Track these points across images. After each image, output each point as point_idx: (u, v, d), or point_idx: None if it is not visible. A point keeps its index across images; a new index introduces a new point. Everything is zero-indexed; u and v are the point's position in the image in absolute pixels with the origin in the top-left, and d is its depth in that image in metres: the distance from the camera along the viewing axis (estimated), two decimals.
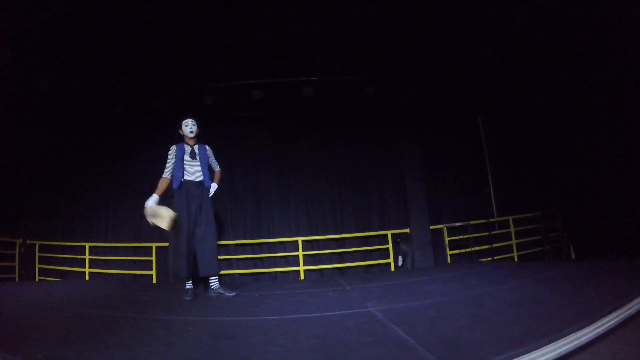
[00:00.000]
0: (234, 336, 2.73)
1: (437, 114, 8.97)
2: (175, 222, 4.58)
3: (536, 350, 2.06)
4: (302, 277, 7.62)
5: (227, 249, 7.77)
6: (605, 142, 6.36)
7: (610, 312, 2.59)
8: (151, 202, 4.65)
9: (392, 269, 7.81)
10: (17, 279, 7.83)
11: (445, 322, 2.75)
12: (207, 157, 5.17)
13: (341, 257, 8.08)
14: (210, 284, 4.90)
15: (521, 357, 2.00)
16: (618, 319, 2.58)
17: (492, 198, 8.87)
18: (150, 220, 4.58)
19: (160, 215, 4.55)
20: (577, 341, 2.24)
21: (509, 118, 8.71)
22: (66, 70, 7.14)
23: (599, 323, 2.45)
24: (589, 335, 2.31)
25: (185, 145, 5.02)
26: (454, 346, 2.16)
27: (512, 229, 8.18)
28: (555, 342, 2.15)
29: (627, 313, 2.69)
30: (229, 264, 7.74)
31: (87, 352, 2.35)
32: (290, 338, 2.57)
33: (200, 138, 5.18)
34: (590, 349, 2.30)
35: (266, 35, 6.66)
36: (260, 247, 8.08)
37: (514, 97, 8.19)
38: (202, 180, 4.97)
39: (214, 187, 5.08)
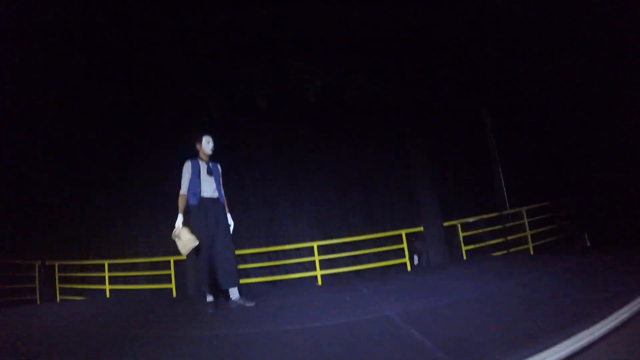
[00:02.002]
0: (257, 348, 2.80)
1: (443, 110, 8.99)
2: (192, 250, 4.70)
3: (549, 349, 2.08)
4: (319, 282, 7.68)
5: (244, 258, 7.86)
6: (616, 127, 6.35)
7: (623, 305, 2.59)
8: (178, 222, 4.76)
9: (409, 268, 7.85)
10: (38, 301, 7.94)
11: (460, 321, 2.81)
12: (220, 175, 5.22)
13: (357, 260, 8.13)
14: (231, 295, 4.97)
15: (535, 355, 2.04)
16: (631, 311, 2.59)
17: (504, 190, 8.88)
18: (175, 239, 4.71)
19: (182, 238, 4.66)
20: (590, 337, 2.24)
21: (515, 109, 8.69)
22: (75, 81, 7.29)
23: (611, 317, 2.42)
24: (602, 331, 2.30)
25: (201, 162, 5.07)
26: (470, 345, 2.22)
27: (525, 220, 8.18)
28: (567, 340, 2.15)
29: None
30: (246, 272, 7.83)
31: None
32: (310, 347, 2.64)
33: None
34: (603, 343, 2.32)
35: (270, 39, 6.73)
36: (276, 254, 8.16)
37: (518, 88, 8.18)
38: (217, 197, 5.05)
39: (230, 220, 5.13)
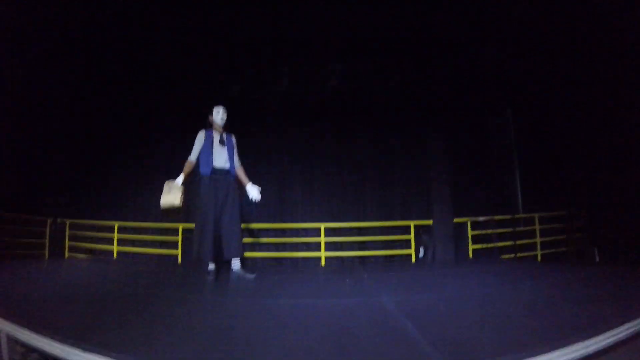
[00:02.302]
0: (251, 318, 2.84)
1: (465, 107, 8.85)
2: (172, 211, 4.75)
3: (539, 356, 2.07)
4: (323, 263, 7.71)
5: (250, 232, 7.88)
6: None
7: (622, 324, 2.54)
8: (178, 179, 4.84)
9: (413, 260, 7.82)
10: (47, 256, 8.13)
11: (455, 318, 2.79)
12: (234, 147, 5.24)
13: (363, 246, 8.13)
14: (232, 266, 5.03)
15: None
16: (629, 331, 2.54)
17: (519, 193, 8.78)
18: (164, 188, 4.77)
19: (169, 192, 4.71)
20: (584, 350, 2.23)
21: (540, 113, 8.53)
22: (92, 57, 7.38)
23: (608, 334, 2.39)
24: (596, 346, 2.28)
25: (214, 132, 5.12)
26: (459, 344, 2.20)
27: (537, 227, 8.08)
28: (558, 350, 2.13)
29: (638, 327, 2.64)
30: (251, 246, 7.85)
31: (109, 327, 2.49)
32: (301, 323, 2.67)
33: (225, 126, 5.27)
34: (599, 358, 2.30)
35: (291, 25, 6.71)
36: (283, 232, 8.19)
37: (546, 91, 8.03)
38: (229, 168, 5.07)
39: (251, 188, 5.09)
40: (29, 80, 7.35)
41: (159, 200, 4.74)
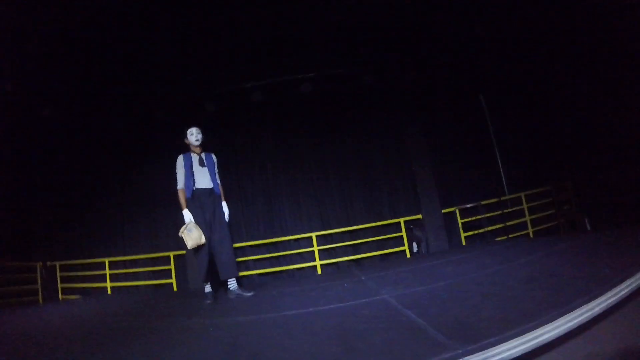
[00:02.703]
0: (253, 333, 2.82)
1: (439, 96, 8.95)
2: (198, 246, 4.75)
3: (547, 324, 2.07)
4: (319, 271, 7.69)
5: (243, 251, 7.84)
6: (613, 108, 6.31)
7: (622, 281, 2.55)
8: (187, 218, 4.81)
9: (408, 255, 7.84)
10: (40, 301, 7.93)
11: (456, 302, 2.80)
12: (214, 165, 5.21)
13: (356, 249, 8.13)
14: (229, 286, 4.99)
15: (532, 331, 2.02)
16: (630, 287, 2.54)
17: (502, 175, 8.86)
18: (183, 233, 4.73)
19: (192, 234, 4.70)
20: (590, 312, 2.22)
21: (512, 93, 8.64)
22: (68, 85, 7.30)
23: (610, 293, 2.39)
24: (601, 306, 2.28)
25: (193, 154, 5.09)
26: (465, 325, 2.21)
27: (525, 205, 8.16)
28: (567, 315, 2.14)
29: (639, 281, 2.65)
30: (246, 265, 7.82)
31: None
32: (307, 330, 2.65)
33: (205, 145, 5.24)
34: (603, 319, 2.31)
35: (260, 35, 6.72)
36: (275, 246, 8.15)
37: (515, 71, 8.14)
38: (212, 187, 5.04)
39: (225, 206, 5.12)
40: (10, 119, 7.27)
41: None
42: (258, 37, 6.82)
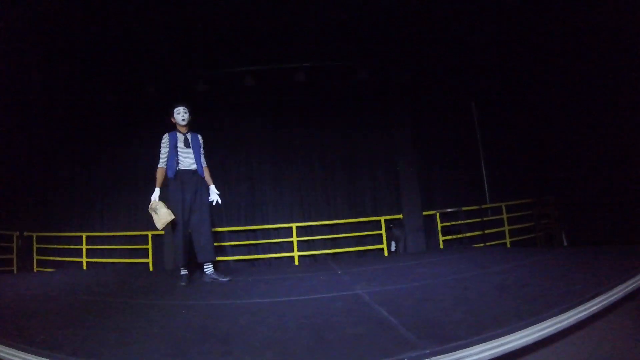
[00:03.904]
0: (225, 317, 2.82)
1: (431, 99, 9.00)
2: (168, 224, 4.72)
3: (516, 332, 2.10)
4: (296, 262, 7.70)
5: (222, 236, 7.83)
6: (602, 131, 6.39)
7: (593, 297, 2.57)
8: (155, 196, 4.77)
9: (386, 254, 7.89)
10: (15, 271, 7.89)
11: (429, 303, 2.82)
12: (200, 146, 5.16)
13: (335, 243, 8.17)
14: (205, 270, 4.97)
15: (501, 338, 2.04)
16: (601, 304, 2.57)
17: (485, 184, 8.94)
18: (151, 212, 4.70)
19: (158, 212, 4.66)
20: (559, 325, 2.24)
21: (503, 103, 8.73)
22: (57, 59, 7.19)
23: (581, 307, 2.41)
24: (570, 320, 2.30)
25: (178, 134, 5.02)
26: (435, 326, 2.23)
27: (504, 215, 8.26)
28: (536, 325, 2.17)
29: (610, 299, 2.65)
30: (224, 250, 7.80)
31: (84, 335, 2.43)
32: (278, 318, 2.66)
33: (192, 125, 5.18)
34: (573, 333, 2.34)
35: (258, 20, 6.68)
36: (255, 234, 8.15)
37: (508, 81, 8.23)
38: (196, 169, 5.00)
39: (213, 190, 5.08)
40: None
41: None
42: (256, 22, 6.77)
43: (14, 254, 8.02)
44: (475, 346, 1.96)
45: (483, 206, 8.41)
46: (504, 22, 6.70)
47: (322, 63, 7.96)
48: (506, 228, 8.21)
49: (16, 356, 2.18)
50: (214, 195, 5.05)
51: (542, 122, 7.80)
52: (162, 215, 4.66)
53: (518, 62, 7.60)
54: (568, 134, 7.15)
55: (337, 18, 6.79)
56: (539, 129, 7.93)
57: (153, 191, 4.79)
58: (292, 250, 7.82)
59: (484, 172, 9.02)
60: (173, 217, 4.69)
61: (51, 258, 8.25)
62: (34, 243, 8.33)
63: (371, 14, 6.75)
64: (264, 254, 8.02)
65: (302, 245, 7.95)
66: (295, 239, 7.84)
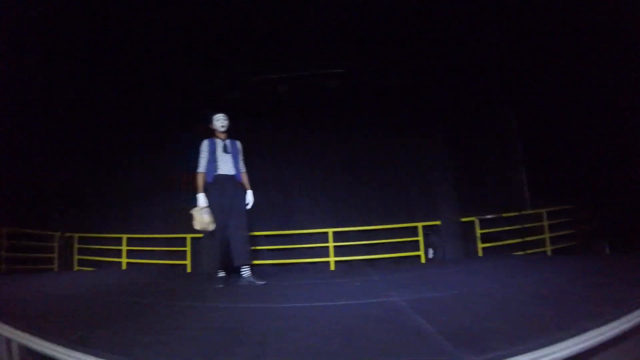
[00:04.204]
0: (260, 321, 2.82)
1: (465, 101, 8.82)
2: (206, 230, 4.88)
3: (557, 344, 2.03)
4: (332, 267, 7.70)
5: (258, 240, 7.88)
6: None
7: (637, 308, 2.48)
8: (202, 201, 4.93)
9: (423, 261, 7.80)
10: (56, 269, 8.19)
11: (466, 311, 2.77)
12: (238, 152, 5.27)
13: (370, 249, 8.09)
14: (242, 273, 5.04)
15: (541, 349, 1.98)
16: None
17: (525, 189, 8.73)
18: (194, 214, 4.87)
19: (202, 218, 4.81)
20: (601, 336, 2.15)
21: (544, 105, 8.47)
22: (96, 63, 7.47)
23: (624, 319, 2.32)
24: (613, 331, 2.21)
25: (217, 140, 5.16)
26: (473, 335, 2.18)
27: (545, 222, 8.03)
28: (577, 336, 2.10)
29: None
30: (259, 255, 7.84)
31: (120, 335, 2.48)
32: (313, 324, 2.65)
33: (230, 132, 5.30)
34: (615, 345, 2.26)
35: (293, 26, 6.73)
36: (290, 238, 8.19)
37: (549, 83, 7.99)
38: (234, 174, 5.09)
39: (250, 195, 5.20)
40: (32, 92, 7.45)
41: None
42: (291, 27, 6.84)
43: (56, 253, 8.31)
44: (515, 357, 1.91)
45: (523, 212, 8.20)
46: (543, 21, 6.52)
47: (356, 68, 7.94)
48: (547, 235, 7.97)
49: (54, 350, 2.25)
50: (250, 199, 5.17)
51: (588, 123, 7.53)
52: (204, 221, 4.80)
53: (560, 61, 7.37)
54: (610, 138, 6.90)
55: (371, 24, 6.78)
56: (584, 131, 7.66)
57: (193, 195, 4.93)
58: (328, 256, 7.81)
59: (524, 177, 8.81)
60: (214, 226, 4.82)
61: (91, 258, 8.52)
62: (75, 243, 8.64)
63: (403, 21, 6.72)
64: (299, 258, 8.03)
65: (337, 251, 7.93)
66: (331, 244, 7.84)
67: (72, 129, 8.86)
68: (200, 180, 5.02)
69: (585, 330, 2.14)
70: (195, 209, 4.88)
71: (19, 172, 7.66)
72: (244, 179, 5.27)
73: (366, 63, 7.85)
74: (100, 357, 2.05)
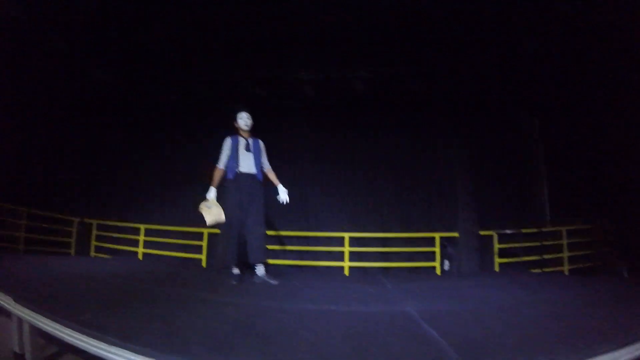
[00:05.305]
0: (270, 319, 2.85)
1: (492, 114, 8.76)
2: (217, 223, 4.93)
3: None
4: (346, 273, 7.68)
5: (274, 240, 7.90)
6: None
7: None
8: (212, 194, 5.00)
9: (438, 272, 7.73)
10: (72, 254, 8.38)
11: (480, 326, 2.74)
12: (261, 151, 5.31)
13: (386, 257, 8.06)
14: (256, 271, 5.07)
15: None
16: None
17: (547, 206, 8.61)
18: (202, 209, 4.88)
19: (210, 210, 4.85)
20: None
21: (569, 121, 8.34)
22: (124, 61, 7.65)
23: (638, 345, 2.33)
24: (628, 356, 2.19)
25: (240, 138, 5.21)
26: (484, 350, 2.17)
27: (564, 241, 7.89)
28: (591, 359, 2.09)
29: None
30: (275, 254, 7.86)
31: (129, 319, 2.54)
32: (323, 326, 2.67)
33: (253, 130, 5.35)
34: None
35: (318, 26, 6.75)
36: (307, 240, 8.20)
37: (575, 98, 7.86)
38: (255, 173, 5.13)
39: (282, 190, 5.25)
40: (55, 84, 7.67)
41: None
42: (321, 31, 6.87)
43: (73, 238, 8.50)
44: None
45: (543, 229, 8.08)
46: (570, 32, 6.41)
47: (380, 71, 7.91)
48: (565, 254, 7.83)
49: (63, 332, 2.31)
50: (283, 194, 5.23)
51: (614, 142, 7.38)
52: (214, 213, 4.84)
53: (585, 76, 7.25)
54: (636, 157, 6.76)
55: (401, 30, 6.77)
56: (610, 149, 7.50)
57: (208, 189, 4.97)
58: (343, 260, 7.80)
59: (545, 193, 8.69)
60: (224, 218, 4.85)
61: (108, 245, 8.69)
62: (93, 229, 8.82)
63: (433, 29, 6.69)
64: (314, 260, 8.04)
65: (353, 257, 7.91)
66: (347, 249, 7.82)
67: (103, 119, 9.12)
68: (216, 175, 5.12)
69: (599, 353, 2.12)
70: (203, 202, 4.95)
71: (46, 157, 7.85)
72: (272, 175, 5.36)
73: (393, 69, 7.80)
74: (105, 341, 2.10)
